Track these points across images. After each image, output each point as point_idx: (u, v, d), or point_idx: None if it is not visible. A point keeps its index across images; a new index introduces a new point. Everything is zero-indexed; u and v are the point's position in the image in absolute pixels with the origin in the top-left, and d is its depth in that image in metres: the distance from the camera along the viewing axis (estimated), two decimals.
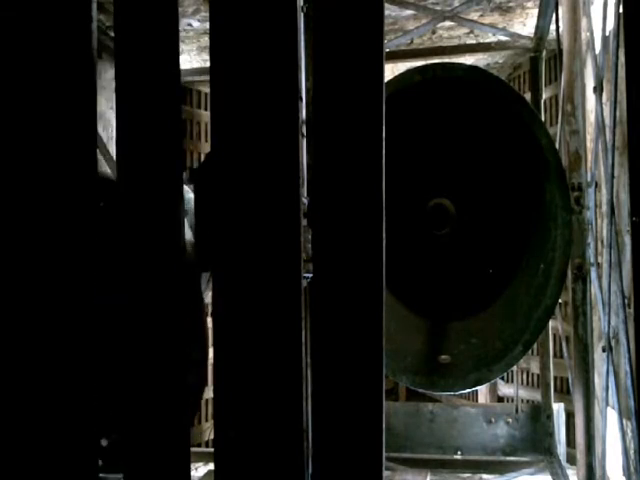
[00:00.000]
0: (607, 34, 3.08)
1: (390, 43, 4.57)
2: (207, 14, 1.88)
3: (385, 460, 1.79)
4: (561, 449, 4.39)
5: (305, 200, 1.87)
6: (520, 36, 4.48)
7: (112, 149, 4.19)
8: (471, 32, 4.93)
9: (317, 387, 1.79)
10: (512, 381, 5.56)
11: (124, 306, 1.84)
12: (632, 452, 2.75)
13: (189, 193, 2.52)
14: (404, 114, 3.44)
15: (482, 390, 6.18)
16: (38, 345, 1.81)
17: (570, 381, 3.97)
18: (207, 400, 5.90)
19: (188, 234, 2.34)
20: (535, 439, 4.41)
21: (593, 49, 3.49)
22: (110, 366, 2.01)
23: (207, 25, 1.86)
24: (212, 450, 1.83)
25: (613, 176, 2.92)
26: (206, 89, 5.86)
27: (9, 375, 1.82)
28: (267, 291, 1.75)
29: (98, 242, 1.86)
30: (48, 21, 1.84)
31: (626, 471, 2.91)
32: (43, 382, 1.81)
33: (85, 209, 1.84)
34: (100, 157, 4.03)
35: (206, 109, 6.05)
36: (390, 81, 3.60)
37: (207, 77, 1.83)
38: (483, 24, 4.58)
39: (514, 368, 3.95)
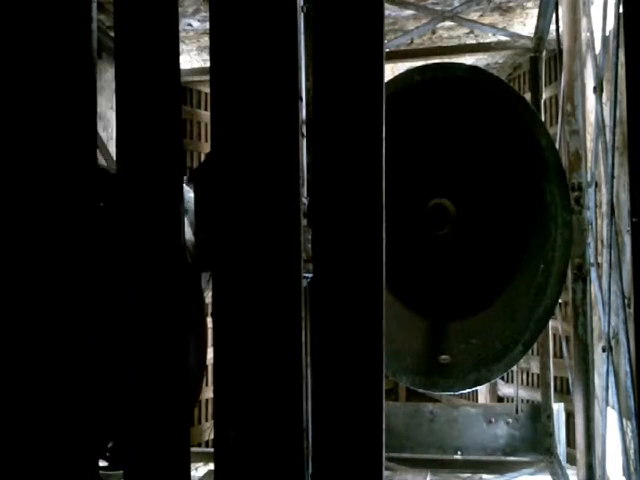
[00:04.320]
0: (607, 34, 3.08)
1: (390, 43, 4.58)
2: (207, 14, 1.88)
3: (385, 460, 1.79)
4: (561, 449, 4.39)
5: (305, 200, 1.87)
6: (520, 36, 4.49)
7: (112, 149, 4.19)
8: (471, 32, 4.93)
9: (317, 387, 1.79)
10: (512, 381, 5.56)
11: (124, 301, 1.84)
12: (632, 452, 2.75)
13: (189, 192, 2.53)
14: (404, 114, 3.44)
15: (482, 390, 6.18)
16: (37, 345, 1.81)
17: (570, 381, 3.97)
18: (207, 400, 5.91)
19: (188, 233, 2.34)
20: (535, 439, 4.41)
21: (593, 49, 3.49)
22: (110, 365, 2.01)
23: (207, 25, 1.86)
24: (212, 450, 1.83)
25: (613, 176, 2.92)
26: (206, 89, 5.86)
27: (8, 375, 1.82)
28: (267, 291, 1.75)
29: (98, 241, 1.87)
30: (48, 21, 1.84)
31: (626, 471, 2.91)
32: (42, 382, 1.81)
33: (85, 209, 1.84)
34: (100, 157, 4.03)
35: (206, 109, 6.05)
36: (390, 81, 3.60)
37: (207, 77, 1.82)
38: (483, 24, 4.58)
39: (514, 368, 3.95)
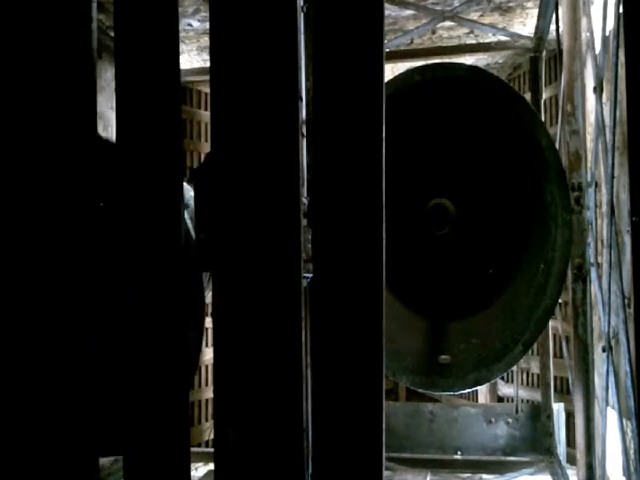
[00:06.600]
0: (607, 34, 3.08)
1: (390, 43, 4.58)
2: (207, 14, 1.88)
3: (385, 460, 1.79)
4: (561, 449, 4.40)
5: (305, 200, 1.87)
6: (520, 36, 4.49)
7: None
8: (471, 32, 4.94)
9: (317, 387, 1.79)
10: (512, 381, 5.56)
11: (124, 301, 1.84)
12: (632, 452, 2.75)
13: (190, 192, 2.52)
14: (404, 114, 3.45)
15: (482, 390, 6.18)
16: (37, 345, 1.81)
17: (570, 381, 3.97)
18: (207, 400, 5.91)
19: (190, 227, 2.35)
20: (535, 439, 4.42)
21: (593, 49, 3.49)
22: (110, 366, 2.01)
23: (207, 25, 1.86)
24: (212, 450, 1.83)
25: (613, 176, 2.92)
26: (206, 89, 5.87)
27: (8, 376, 1.82)
28: (267, 291, 1.75)
29: (98, 240, 1.87)
30: (48, 21, 1.84)
31: (626, 471, 2.91)
32: (43, 382, 1.81)
33: (84, 208, 1.84)
34: None
35: (206, 109, 6.05)
36: (390, 81, 3.61)
37: (207, 77, 1.82)
38: (483, 24, 4.58)
39: (514, 368, 3.96)
